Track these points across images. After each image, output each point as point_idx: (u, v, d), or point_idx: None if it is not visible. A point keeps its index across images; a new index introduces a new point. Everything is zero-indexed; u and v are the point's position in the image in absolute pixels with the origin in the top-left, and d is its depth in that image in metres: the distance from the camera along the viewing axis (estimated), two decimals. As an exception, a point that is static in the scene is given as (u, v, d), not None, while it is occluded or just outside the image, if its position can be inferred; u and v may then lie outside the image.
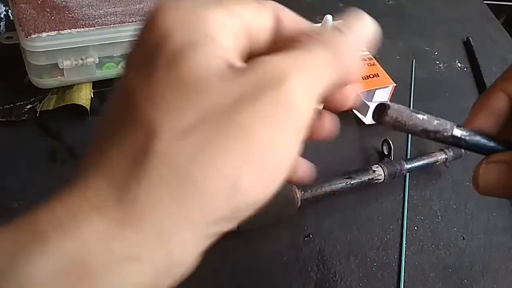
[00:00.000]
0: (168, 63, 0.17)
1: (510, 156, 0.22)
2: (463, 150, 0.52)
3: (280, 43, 0.20)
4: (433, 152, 0.52)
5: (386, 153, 0.52)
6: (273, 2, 0.21)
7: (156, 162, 0.16)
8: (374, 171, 0.48)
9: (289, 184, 0.43)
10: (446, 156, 0.51)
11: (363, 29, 0.21)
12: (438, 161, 0.51)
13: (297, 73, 0.18)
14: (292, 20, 0.21)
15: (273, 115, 0.17)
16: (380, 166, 0.49)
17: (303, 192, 0.44)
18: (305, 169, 0.24)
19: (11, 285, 0.14)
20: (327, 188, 0.46)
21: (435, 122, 0.23)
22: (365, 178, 0.47)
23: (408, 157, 0.54)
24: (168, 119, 0.16)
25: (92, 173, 0.17)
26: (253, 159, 0.17)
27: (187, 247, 0.17)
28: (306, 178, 0.24)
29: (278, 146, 0.17)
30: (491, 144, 0.24)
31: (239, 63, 0.18)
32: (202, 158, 0.16)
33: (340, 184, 0.46)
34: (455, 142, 0.25)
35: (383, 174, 0.48)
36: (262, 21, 0.20)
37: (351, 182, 0.47)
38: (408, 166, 0.50)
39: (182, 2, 0.18)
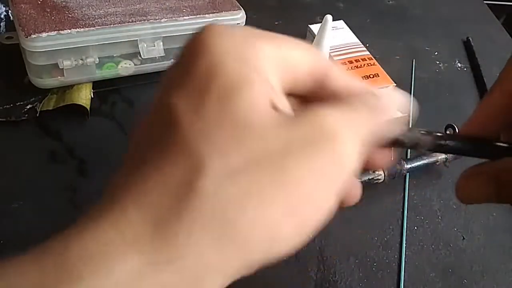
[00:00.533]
0: (219, 99, 0.17)
1: (488, 167, 0.21)
2: None
3: (322, 94, 0.20)
4: (433, 152, 0.52)
5: None
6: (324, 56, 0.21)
7: (200, 201, 0.15)
8: (374, 171, 0.48)
9: None
10: (446, 156, 0.51)
11: (394, 98, 0.22)
12: (438, 161, 0.51)
13: (347, 129, 0.18)
14: (340, 78, 0.21)
15: (323, 170, 0.17)
16: None
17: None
18: (357, 193, 0.24)
19: None
20: None
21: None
22: (365, 178, 0.47)
23: (408, 157, 0.54)
24: (216, 157, 0.16)
25: (128, 203, 0.16)
26: (296, 211, 0.17)
27: None
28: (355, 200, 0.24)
29: (321, 200, 0.18)
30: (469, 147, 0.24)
31: (284, 104, 0.18)
32: (247, 204, 0.16)
33: None
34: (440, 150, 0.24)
35: (383, 174, 0.48)
36: (310, 63, 0.20)
37: None
38: (408, 166, 0.50)
39: (233, 27, 0.18)
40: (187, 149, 0.16)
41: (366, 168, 0.23)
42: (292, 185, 0.16)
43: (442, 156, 0.51)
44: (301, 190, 0.17)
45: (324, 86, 0.20)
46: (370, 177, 0.48)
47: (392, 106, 0.21)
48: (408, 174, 0.52)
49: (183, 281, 0.15)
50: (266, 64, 0.18)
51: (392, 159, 0.24)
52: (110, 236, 0.15)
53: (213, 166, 0.16)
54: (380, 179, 0.48)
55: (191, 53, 0.18)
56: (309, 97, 0.20)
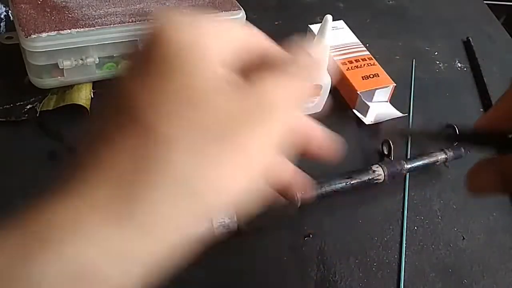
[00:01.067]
0: (171, 76, 0.19)
1: (498, 161, 0.22)
2: (463, 150, 0.52)
3: (261, 66, 0.22)
4: (433, 152, 0.52)
5: (386, 153, 0.52)
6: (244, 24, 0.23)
7: (154, 164, 0.17)
8: (374, 171, 0.48)
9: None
10: (446, 156, 0.51)
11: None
12: (438, 161, 0.51)
13: (284, 102, 0.20)
14: (273, 49, 0.25)
15: (263, 132, 0.19)
16: (380, 166, 0.49)
17: (302, 192, 0.44)
18: (301, 182, 0.26)
19: (23, 286, 0.15)
20: (327, 188, 0.46)
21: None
22: (365, 178, 0.47)
23: (408, 157, 0.54)
24: (167, 124, 0.18)
25: (94, 176, 0.18)
26: (243, 171, 0.19)
27: (168, 243, 0.18)
28: (302, 190, 0.26)
29: (263, 153, 0.20)
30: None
31: (232, 76, 0.20)
32: (202, 168, 0.18)
33: (340, 184, 0.46)
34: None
35: (383, 174, 0.48)
36: (242, 39, 0.22)
37: (351, 182, 0.47)
38: (408, 166, 0.50)
39: (184, 16, 0.20)
40: (141, 122, 0.18)
41: (282, 195, 0.26)
42: (237, 150, 0.19)
43: (442, 156, 0.51)
44: (249, 151, 0.19)
45: (261, 58, 0.23)
46: (370, 177, 0.48)
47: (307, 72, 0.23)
48: (408, 174, 0.52)
49: (139, 236, 0.17)
50: (213, 46, 0.20)
51: (306, 186, 0.26)
52: (79, 207, 0.17)
53: (165, 132, 0.18)
54: (380, 179, 0.48)
55: (148, 43, 0.20)
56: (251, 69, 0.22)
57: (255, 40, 0.23)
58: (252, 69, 0.22)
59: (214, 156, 0.18)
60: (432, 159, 0.51)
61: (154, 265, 0.18)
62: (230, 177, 0.19)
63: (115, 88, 0.20)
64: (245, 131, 0.19)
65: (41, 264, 0.16)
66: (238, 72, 0.21)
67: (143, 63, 0.20)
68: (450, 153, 0.51)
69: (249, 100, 0.19)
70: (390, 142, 0.51)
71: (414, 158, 0.51)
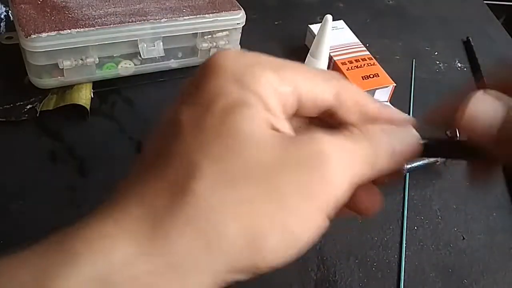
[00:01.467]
0: (220, 115, 0.18)
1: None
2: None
3: (334, 115, 0.22)
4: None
5: None
6: (339, 77, 0.22)
7: (192, 202, 0.17)
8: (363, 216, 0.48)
9: None
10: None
11: (405, 136, 0.23)
12: (438, 161, 0.51)
13: (339, 157, 0.19)
14: (353, 99, 0.22)
15: (311, 188, 0.18)
16: None
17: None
18: (372, 201, 0.24)
19: None
20: None
21: None
22: None
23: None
24: (211, 164, 0.17)
25: (129, 202, 0.18)
26: (282, 224, 0.18)
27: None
28: (369, 211, 0.24)
29: (308, 216, 0.19)
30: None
31: (284, 125, 0.20)
32: (235, 210, 0.17)
33: None
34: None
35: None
36: (318, 93, 0.21)
37: None
38: (408, 166, 0.50)
39: (244, 54, 0.20)
40: (185, 157, 0.18)
41: (355, 212, 0.24)
42: (281, 199, 0.18)
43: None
44: (289, 204, 0.18)
45: (332, 115, 0.22)
46: None
47: (397, 145, 0.22)
48: (408, 174, 0.52)
49: (169, 274, 0.16)
50: (266, 89, 0.19)
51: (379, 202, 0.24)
52: (109, 229, 0.17)
53: (207, 171, 0.17)
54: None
55: (202, 74, 0.20)
56: (320, 118, 0.22)
57: (329, 98, 0.21)
58: (323, 121, 0.22)
59: (253, 208, 0.17)
60: (432, 159, 0.51)
61: None
62: (264, 235, 0.17)
63: (165, 118, 0.20)
64: (289, 180, 0.18)
65: (63, 278, 0.15)
66: (306, 119, 0.21)
67: (194, 93, 0.20)
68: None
69: (302, 147, 0.19)
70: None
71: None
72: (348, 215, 0.24)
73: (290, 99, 0.20)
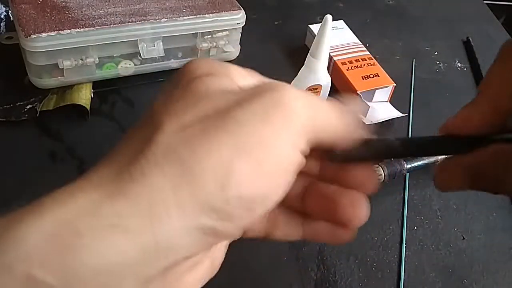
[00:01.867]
0: (186, 83, 0.20)
1: (463, 159, 0.22)
2: None
3: None
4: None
5: None
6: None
7: (155, 149, 0.18)
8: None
9: None
10: (447, 156, 0.51)
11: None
12: (438, 161, 0.51)
13: (299, 96, 0.20)
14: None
15: (267, 113, 0.19)
16: (380, 166, 0.49)
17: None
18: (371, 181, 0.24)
19: (9, 248, 0.16)
20: None
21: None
22: None
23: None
24: (173, 118, 0.19)
25: (102, 164, 0.19)
26: (246, 153, 0.18)
27: (174, 232, 0.17)
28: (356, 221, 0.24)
29: (272, 145, 0.18)
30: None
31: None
32: (196, 146, 0.18)
33: None
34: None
35: (383, 174, 0.48)
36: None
37: None
38: (408, 166, 0.50)
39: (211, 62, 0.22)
40: (153, 120, 0.19)
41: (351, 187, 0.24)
42: (240, 129, 0.18)
43: (442, 156, 0.51)
44: (251, 133, 0.18)
45: None
46: None
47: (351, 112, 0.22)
48: (408, 174, 0.52)
49: (138, 213, 0.17)
50: (235, 70, 0.22)
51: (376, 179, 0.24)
52: (76, 184, 0.18)
53: (168, 124, 0.19)
54: (380, 179, 0.48)
55: (178, 77, 0.22)
56: None
57: None
58: None
59: (214, 141, 0.18)
60: (432, 159, 0.51)
61: (150, 251, 0.17)
62: (229, 162, 0.18)
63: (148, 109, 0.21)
64: (246, 110, 0.19)
65: (26, 223, 0.16)
66: None
67: (173, 87, 0.21)
68: None
69: (254, 88, 0.20)
70: None
71: (414, 158, 0.51)
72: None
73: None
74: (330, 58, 0.60)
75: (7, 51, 0.55)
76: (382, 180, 0.48)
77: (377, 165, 0.49)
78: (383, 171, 0.48)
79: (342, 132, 0.21)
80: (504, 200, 0.52)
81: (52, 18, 0.51)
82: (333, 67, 0.61)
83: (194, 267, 0.22)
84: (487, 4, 0.88)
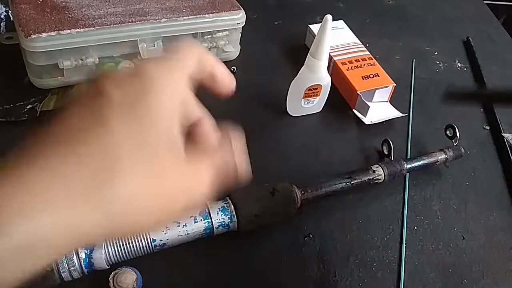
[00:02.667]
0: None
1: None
2: (463, 150, 0.52)
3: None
4: (433, 152, 0.52)
5: (386, 153, 0.51)
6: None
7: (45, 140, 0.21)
8: (374, 171, 0.48)
9: (289, 184, 0.43)
10: (446, 156, 0.51)
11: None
12: (438, 161, 0.51)
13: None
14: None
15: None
16: (380, 166, 0.49)
17: (303, 192, 0.44)
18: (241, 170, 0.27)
19: None
20: (327, 188, 0.46)
21: None
22: (365, 178, 0.48)
23: (408, 157, 0.54)
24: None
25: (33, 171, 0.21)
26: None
27: (45, 229, 0.19)
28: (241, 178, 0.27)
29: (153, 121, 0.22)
30: None
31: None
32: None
33: (340, 184, 0.46)
34: None
35: (383, 174, 0.48)
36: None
37: (351, 182, 0.47)
38: (408, 166, 0.50)
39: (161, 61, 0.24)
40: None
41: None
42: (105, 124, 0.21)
43: (442, 156, 0.51)
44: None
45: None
46: (370, 177, 0.48)
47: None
48: (408, 174, 0.52)
49: (13, 207, 0.18)
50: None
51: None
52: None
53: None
54: (380, 179, 0.48)
55: (135, 79, 0.23)
56: None
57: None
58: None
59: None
60: (432, 159, 0.51)
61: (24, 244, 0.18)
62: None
63: (94, 90, 0.23)
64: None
65: None
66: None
67: (127, 80, 0.23)
68: (450, 153, 0.51)
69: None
70: (390, 142, 0.51)
71: (414, 158, 0.51)
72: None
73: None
74: (330, 58, 0.60)
75: (7, 51, 0.55)
76: (382, 180, 0.48)
77: (378, 165, 0.49)
78: (383, 171, 0.48)
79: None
80: (504, 200, 0.52)
81: (52, 18, 0.51)
82: (333, 67, 0.61)
83: None
84: (487, 4, 0.88)
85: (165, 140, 0.22)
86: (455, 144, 0.53)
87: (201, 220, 0.40)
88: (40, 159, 0.20)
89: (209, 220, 0.40)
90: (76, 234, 0.20)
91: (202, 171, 0.24)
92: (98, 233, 0.20)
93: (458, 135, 0.52)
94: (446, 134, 0.54)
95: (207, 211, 0.40)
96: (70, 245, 0.20)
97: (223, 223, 0.41)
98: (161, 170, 0.22)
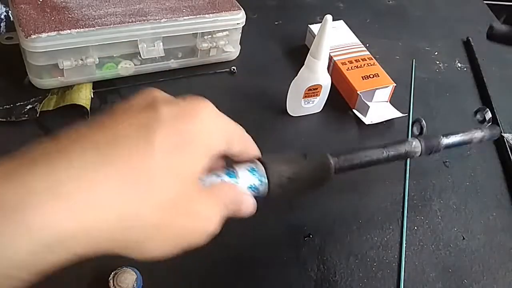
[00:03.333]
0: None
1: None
2: (499, 129, 0.49)
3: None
4: (469, 130, 0.47)
5: (417, 133, 0.45)
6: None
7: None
8: (411, 144, 0.42)
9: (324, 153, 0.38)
10: (483, 133, 0.46)
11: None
12: (474, 139, 0.46)
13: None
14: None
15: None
16: (418, 139, 0.43)
17: (337, 159, 0.38)
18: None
19: None
20: (362, 158, 0.40)
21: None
22: (402, 150, 0.42)
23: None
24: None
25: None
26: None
27: (66, 231, 0.19)
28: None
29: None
30: None
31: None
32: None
33: (376, 154, 0.41)
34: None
35: (420, 147, 0.42)
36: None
37: (388, 153, 0.41)
38: (446, 141, 0.44)
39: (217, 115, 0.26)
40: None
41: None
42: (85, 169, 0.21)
43: (478, 134, 0.47)
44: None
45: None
46: (407, 150, 0.42)
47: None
48: (408, 174, 0.52)
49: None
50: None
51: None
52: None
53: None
54: (417, 151, 0.43)
55: (189, 109, 0.24)
56: None
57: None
58: None
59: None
60: (468, 137, 0.46)
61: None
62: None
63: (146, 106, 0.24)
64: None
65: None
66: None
67: (179, 111, 0.24)
68: (487, 131, 0.47)
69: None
70: (423, 120, 0.45)
71: (450, 134, 0.45)
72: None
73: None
74: (330, 58, 0.60)
75: (7, 51, 0.55)
76: (420, 154, 0.43)
77: (415, 138, 0.43)
78: (421, 144, 0.43)
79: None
80: (504, 200, 0.52)
81: (52, 18, 0.51)
82: (333, 67, 0.61)
83: None
84: (487, 4, 0.88)
85: (195, 179, 0.24)
86: (489, 124, 0.48)
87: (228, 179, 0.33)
88: (76, 161, 0.21)
89: (236, 180, 0.33)
90: (92, 237, 0.20)
91: (213, 210, 0.25)
92: (108, 244, 0.21)
93: (488, 117, 0.48)
94: (477, 119, 0.49)
95: (234, 171, 0.33)
96: (85, 248, 0.20)
97: (253, 186, 0.33)
98: (180, 204, 0.23)
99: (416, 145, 0.42)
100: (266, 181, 0.33)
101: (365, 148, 0.41)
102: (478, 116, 0.48)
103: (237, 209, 0.28)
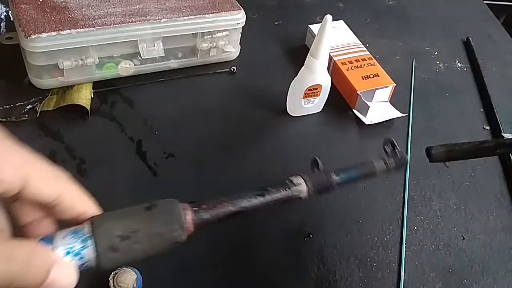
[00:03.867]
0: None
1: None
2: (407, 157, 0.48)
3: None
4: (368, 162, 0.36)
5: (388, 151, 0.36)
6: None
7: None
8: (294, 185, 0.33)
9: (175, 199, 0.30)
10: (387, 163, 0.36)
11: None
12: (377, 171, 0.36)
13: None
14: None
15: None
16: (303, 177, 0.33)
17: (195, 209, 0.29)
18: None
19: None
20: (230, 207, 0.30)
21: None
22: (282, 195, 0.32)
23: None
24: None
25: None
26: None
27: None
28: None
29: None
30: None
31: None
32: None
33: (250, 202, 0.31)
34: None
35: (307, 188, 0.33)
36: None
37: (265, 200, 0.32)
38: (340, 177, 0.34)
39: None
40: None
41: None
42: None
43: (380, 165, 0.35)
44: None
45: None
46: (289, 195, 0.32)
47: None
48: (408, 174, 0.52)
49: None
50: None
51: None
52: None
53: None
54: (303, 192, 0.33)
55: None
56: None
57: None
58: None
59: None
60: (366, 170, 0.36)
61: None
62: None
63: None
64: None
65: None
66: None
67: None
68: (391, 161, 0.36)
69: None
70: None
71: (345, 169, 0.35)
72: None
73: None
74: (330, 58, 0.60)
75: (7, 51, 0.55)
76: (306, 194, 0.33)
77: (299, 176, 0.34)
78: (306, 184, 0.33)
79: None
80: (504, 200, 0.52)
81: (52, 18, 0.51)
82: (333, 67, 0.61)
83: None
84: (487, 4, 0.88)
85: None
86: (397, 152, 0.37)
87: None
88: None
89: (51, 245, 0.25)
90: None
91: None
92: None
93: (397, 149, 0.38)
94: (385, 149, 0.38)
95: (49, 235, 0.26)
96: None
97: (73, 251, 0.26)
98: None
99: (300, 188, 0.33)
100: (91, 243, 0.26)
101: (237, 197, 0.31)
102: (386, 148, 0.37)
103: (26, 274, 0.22)
